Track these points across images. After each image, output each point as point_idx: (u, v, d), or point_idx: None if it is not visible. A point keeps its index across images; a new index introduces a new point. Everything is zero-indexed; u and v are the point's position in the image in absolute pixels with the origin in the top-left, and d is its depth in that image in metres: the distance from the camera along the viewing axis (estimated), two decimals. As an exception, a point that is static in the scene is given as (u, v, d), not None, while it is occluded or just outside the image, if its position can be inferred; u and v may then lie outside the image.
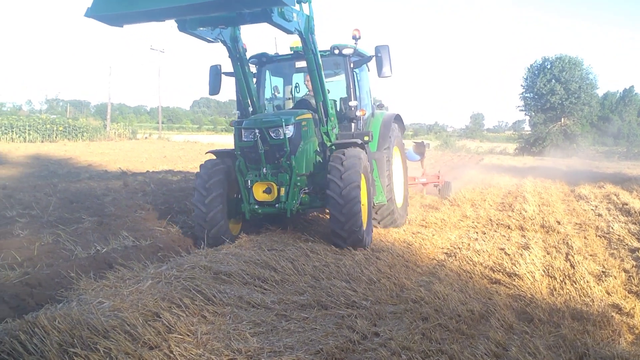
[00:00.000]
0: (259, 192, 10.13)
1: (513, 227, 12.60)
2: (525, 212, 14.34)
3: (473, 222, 13.37)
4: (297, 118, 10.20)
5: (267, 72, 12.23)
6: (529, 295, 7.40)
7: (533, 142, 73.37)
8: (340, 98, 11.71)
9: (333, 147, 10.79)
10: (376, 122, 12.42)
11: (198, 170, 10.54)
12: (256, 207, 10.22)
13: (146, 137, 67.23)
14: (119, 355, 5.07)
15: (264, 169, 10.04)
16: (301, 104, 11.80)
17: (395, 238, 11.27)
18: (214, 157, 11.01)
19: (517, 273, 8.41)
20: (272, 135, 9.90)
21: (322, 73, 10.14)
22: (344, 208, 9.41)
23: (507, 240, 11.18)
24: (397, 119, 13.32)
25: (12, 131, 54.04)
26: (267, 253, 9.04)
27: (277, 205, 10.08)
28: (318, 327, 6.23)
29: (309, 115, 10.78)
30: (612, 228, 12.37)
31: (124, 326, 5.59)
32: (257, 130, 9.81)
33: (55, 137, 56.67)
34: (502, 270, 8.65)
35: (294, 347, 5.56)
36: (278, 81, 12.70)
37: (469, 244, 10.72)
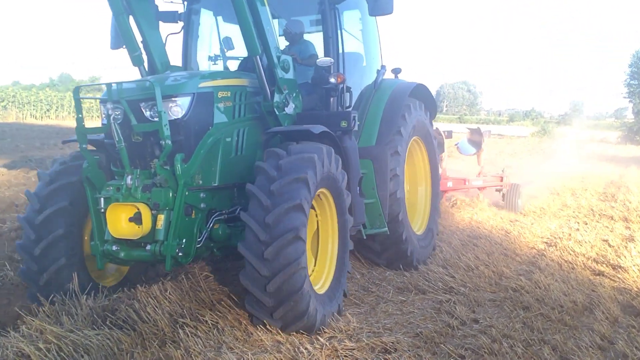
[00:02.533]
0: (117, 221, 5.54)
1: (617, 218, 12.12)
2: (630, 203, 13.73)
3: (574, 212, 12.96)
4: (202, 85, 5.94)
5: (205, 11, 7.98)
6: (635, 289, 7.16)
7: (637, 131, 70.04)
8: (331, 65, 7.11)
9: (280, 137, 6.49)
10: (380, 97, 7.95)
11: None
12: (113, 248, 5.71)
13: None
14: (226, 328, 5.32)
15: (129, 177, 5.61)
16: (247, 64, 7.27)
17: (493, 225, 11.10)
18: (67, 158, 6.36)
19: (621, 265, 8.13)
20: (147, 115, 5.64)
21: (264, 6, 6.21)
22: (269, 250, 5.00)
23: (611, 231, 10.79)
24: (419, 92, 8.59)
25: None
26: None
27: (148, 247, 5.57)
28: (416, 310, 6.27)
29: (236, 82, 6.43)
30: None
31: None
32: (110, 107, 5.62)
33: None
34: (606, 262, 8.38)
35: (392, 329, 5.63)
36: (232, 31, 7.66)
37: (569, 234, 10.42)
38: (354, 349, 5.02)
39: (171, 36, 7.34)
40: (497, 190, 13.70)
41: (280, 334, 5.18)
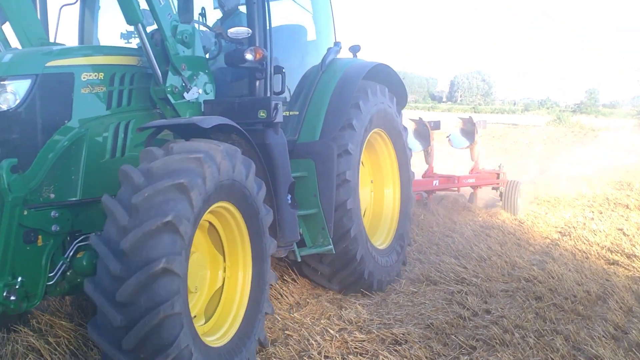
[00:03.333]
0: None
1: (632, 207, 12.00)
2: (646, 191, 13.60)
3: (589, 201, 12.86)
4: (51, 64, 4.37)
5: None
6: (651, 278, 7.07)
7: (654, 119, 69.29)
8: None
9: (169, 135, 4.80)
10: (328, 80, 6.41)
11: None
12: None
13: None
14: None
15: None
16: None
17: (506, 216, 11.02)
18: None
19: (636, 254, 8.05)
20: None
21: None
22: (124, 289, 3.43)
23: (626, 220, 10.68)
24: (381, 74, 7.02)
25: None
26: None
27: None
28: (427, 301, 6.22)
29: (116, 60, 4.86)
30: None
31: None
32: None
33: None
34: (620, 252, 8.29)
35: (403, 320, 5.59)
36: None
37: (584, 223, 10.33)
38: (364, 341, 4.99)
39: (67, 8, 5.75)
40: (493, 188, 11.95)
41: (287, 326, 5.16)
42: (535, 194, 13.20)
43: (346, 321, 5.46)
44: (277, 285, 6.19)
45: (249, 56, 5.14)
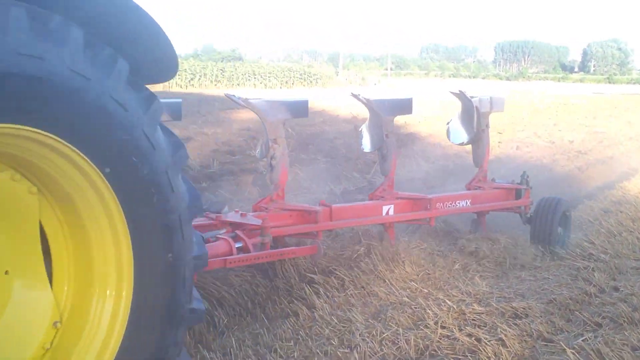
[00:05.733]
0: None
1: None
2: None
3: None
4: None
5: None
6: None
7: None
8: None
9: None
10: None
11: None
12: None
13: (375, 84, 68.51)
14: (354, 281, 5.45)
15: None
16: None
17: (640, 190, 10.41)
18: None
19: None
20: None
21: None
22: None
23: None
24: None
25: (255, 78, 58.73)
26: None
27: None
28: (551, 277, 6.03)
29: None
30: None
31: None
32: None
33: (292, 84, 60.31)
34: None
35: (524, 295, 5.44)
36: None
37: None
38: (482, 313, 4.90)
39: None
40: (516, 212, 7.52)
41: (404, 293, 5.18)
42: None
43: (464, 293, 5.39)
44: (390, 254, 6.16)
45: None
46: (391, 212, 6.33)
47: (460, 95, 7.19)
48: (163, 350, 2.88)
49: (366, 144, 6.65)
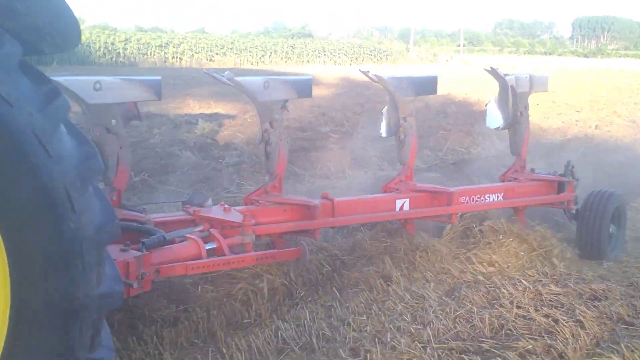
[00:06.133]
0: None
1: None
2: None
3: None
4: None
5: None
6: None
7: None
8: None
9: None
10: None
11: None
12: None
13: (447, 60, 67.33)
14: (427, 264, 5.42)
15: None
16: None
17: None
18: None
19: None
20: None
21: None
22: None
23: None
24: None
25: (324, 55, 58.87)
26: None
27: None
28: (632, 259, 5.87)
29: None
30: None
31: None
32: None
33: (362, 60, 60.03)
34: None
35: (603, 277, 5.30)
36: None
37: None
38: (559, 294, 4.79)
39: None
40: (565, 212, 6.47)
41: (480, 272, 5.13)
42: None
43: (541, 273, 5.29)
44: (471, 232, 6.07)
45: None
46: (406, 207, 5.58)
47: (494, 73, 6.29)
48: None
49: (383, 129, 5.92)
